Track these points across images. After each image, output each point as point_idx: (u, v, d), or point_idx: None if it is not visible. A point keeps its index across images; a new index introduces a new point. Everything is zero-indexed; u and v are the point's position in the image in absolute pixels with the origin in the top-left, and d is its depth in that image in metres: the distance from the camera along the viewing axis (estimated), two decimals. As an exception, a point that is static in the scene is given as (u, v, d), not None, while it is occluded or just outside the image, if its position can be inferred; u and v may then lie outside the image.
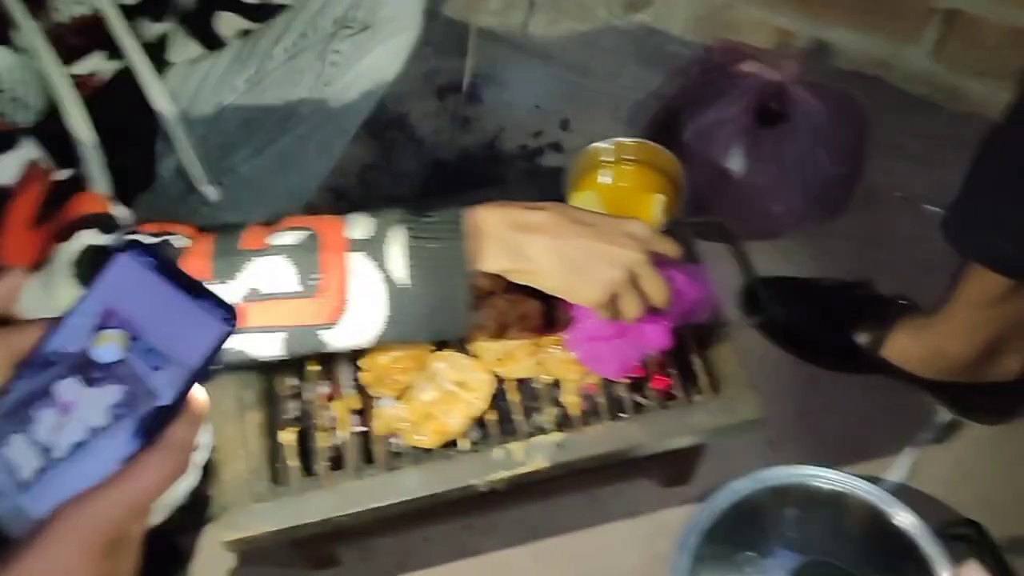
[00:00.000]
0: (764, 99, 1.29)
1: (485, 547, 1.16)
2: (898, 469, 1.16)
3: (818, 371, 1.25)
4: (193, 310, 0.44)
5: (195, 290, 0.44)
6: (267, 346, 0.73)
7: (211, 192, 1.13)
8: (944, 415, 1.19)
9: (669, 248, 0.80)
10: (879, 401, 1.22)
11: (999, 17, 1.19)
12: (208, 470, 0.92)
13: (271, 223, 0.74)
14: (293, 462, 0.93)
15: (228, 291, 0.69)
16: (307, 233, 0.71)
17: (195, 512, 1.06)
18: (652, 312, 0.81)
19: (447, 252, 0.71)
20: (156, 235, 0.72)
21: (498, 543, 1.16)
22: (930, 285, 1.30)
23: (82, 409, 0.43)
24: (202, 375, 0.44)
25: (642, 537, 1.16)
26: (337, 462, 0.95)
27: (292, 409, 0.97)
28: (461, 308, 0.72)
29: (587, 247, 0.74)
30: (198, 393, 0.44)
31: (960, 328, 1.10)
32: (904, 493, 1.14)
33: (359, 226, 0.72)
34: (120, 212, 0.77)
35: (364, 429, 0.96)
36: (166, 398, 0.43)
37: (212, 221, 1.14)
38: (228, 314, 0.44)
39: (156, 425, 0.42)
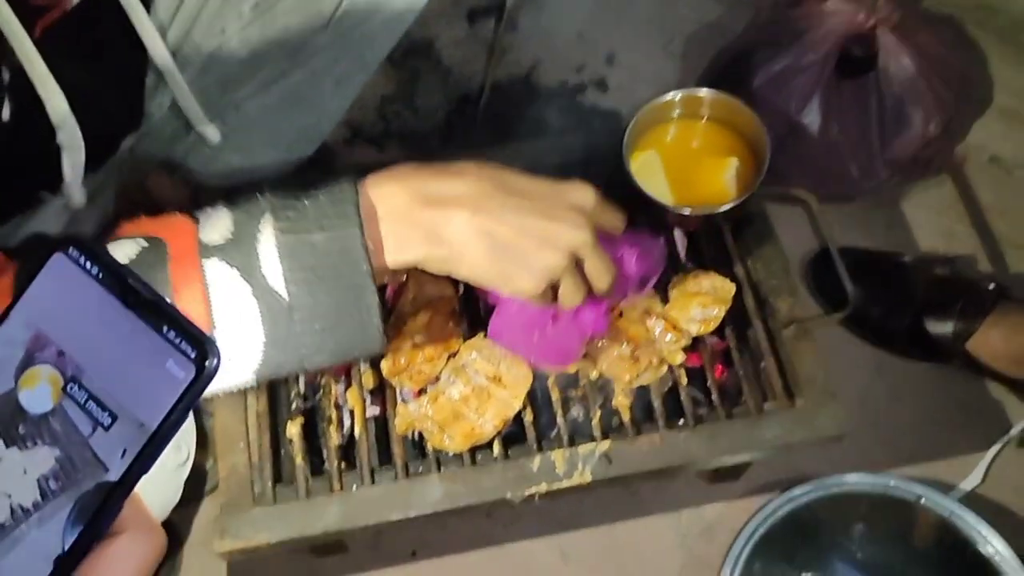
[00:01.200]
0: (848, 44, 1.12)
1: (506, 537, 1.06)
2: (975, 475, 1.04)
3: (886, 357, 1.11)
4: (155, 345, 0.31)
5: (159, 315, 0.31)
6: None
7: (212, 132, 0.98)
8: (1031, 417, 1.07)
9: (615, 220, 0.66)
10: (955, 395, 1.10)
11: None
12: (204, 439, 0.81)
13: (106, 231, 0.57)
14: (300, 460, 0.81)
15: None
16: (148, 243, 0.54)
17: (189, 486, 0.95)
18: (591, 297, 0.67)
19: (337, 245, 0.54)
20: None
21: (521, 533, 1.06)
22: (1018, 265, 1.16)
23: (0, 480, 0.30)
24: (164, 438, 0.31)
25: (681, 536, 1.05)
26: (349, 456, 0.83)
27: (300, 396, 0.85)
28: (368, 318, 0.56)
29: (521, 225, 0.58)
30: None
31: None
32: (981, 503, 1.02)
33: (215, 224, 0.55)
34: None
35: (379, 417, 0.84)
36: (115, 471, 0.30)
37: (214, 164, 1.01)
38: (206, 352, 0.31)
39: (103, 509, 0.30)
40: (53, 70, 0.76)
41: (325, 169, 0.99)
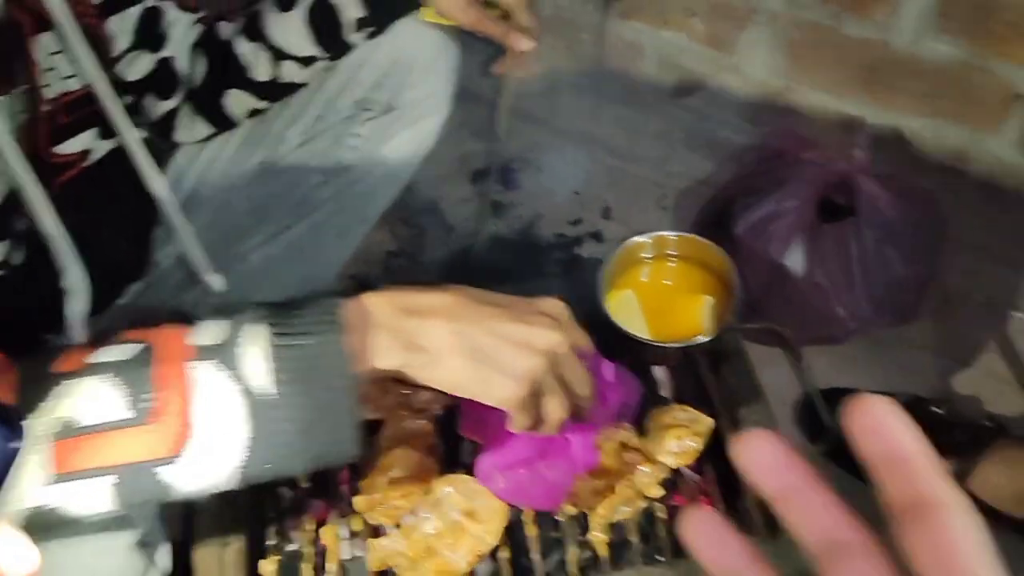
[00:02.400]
0: (827, 191, 1.17)
1: None
2: (988, 627, 0.98)
3: (888, 501, 1.08)
4: None
5: None
6: (92, 497, 0.55)
7: (217, 281, 1.03)
8: (1043, 562, 1.01)
9: (583, 339, 0.67)
10: (963, 541, 1.05)
11: (1095, 105, 1.06)
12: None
13: (101, 339, 0.59)
14: (273, 598, 0.80)
15: (35, 428, 0.53)
16: (140, 346, 0.56)
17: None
18: (574, 419, 0.67)
19: (322, 349, 0.56)
20: None
21: None
22: (1016, 404, 1.15)
23: None
24: None
25: None
26: (325, 597, 0.82)
27: (277, 534, 0.85)
28: (346, 420, 0.57)
29: (496, 330, 0.61)
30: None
31: (1062, 463, 0.94)
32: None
33: (208, 331, 0.57)
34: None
35: (358, 557, 0.83)
36: None
37: (219, 315, 1.06)
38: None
39: None
40: (66, 220, 0.83)
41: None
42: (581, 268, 1.31)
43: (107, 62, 0.88)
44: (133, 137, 0.90)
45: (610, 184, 1.44)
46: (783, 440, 0.30)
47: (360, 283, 1.35)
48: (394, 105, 1.04)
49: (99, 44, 0.86)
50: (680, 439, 0.85)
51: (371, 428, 0.86)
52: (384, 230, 1.38)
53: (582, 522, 0.84)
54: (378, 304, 0.60)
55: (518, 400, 0.62)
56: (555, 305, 0.65)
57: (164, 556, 0.72)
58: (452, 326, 0.60)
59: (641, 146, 1.45)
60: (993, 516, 1.02)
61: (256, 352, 0.56)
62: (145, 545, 0.69)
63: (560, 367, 0.63)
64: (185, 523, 0.85)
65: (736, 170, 1.29)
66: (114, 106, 0.85)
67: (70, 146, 0.86)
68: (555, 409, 0.64)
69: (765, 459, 0.29)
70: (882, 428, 0.26)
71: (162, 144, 1.03)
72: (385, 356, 0.59)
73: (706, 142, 1.40)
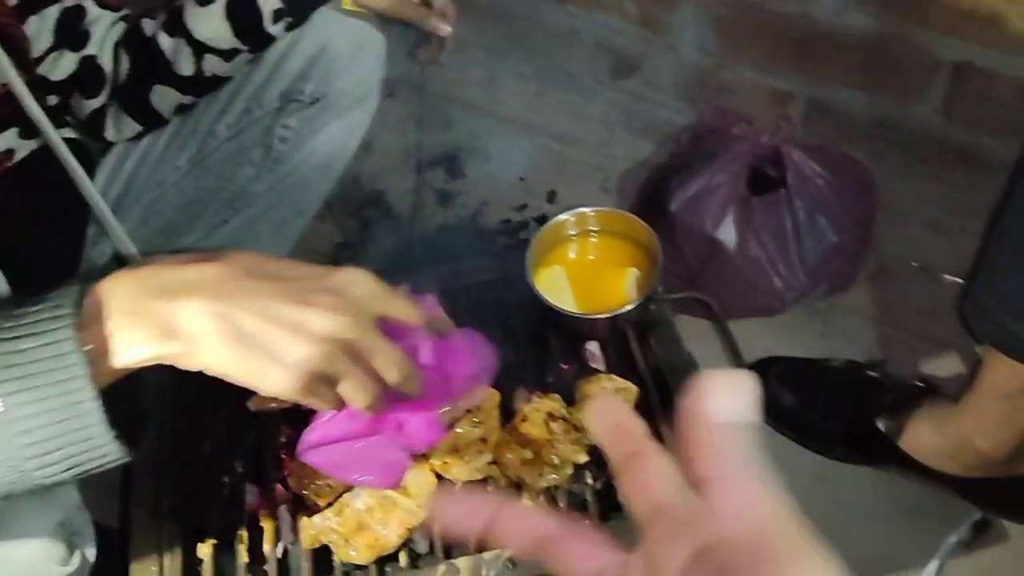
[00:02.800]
0: (758, 164, 1.19)
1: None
2: (925, 579, 1.01)
3: (826, 463, 1.11)
4: None
5: None
6: None
7: (152, 277, 1.04)
8: (975, 515, 1.04)
9: (404, 310, 0.58)
10: (898, 498, 1.08)
11: (1011, 68, 1.08)
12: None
13: None
14: (210, 581, 0.81)
15: None
16: None
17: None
18: (404, 399, 0.60)
19: (49, 351, 0.49)
20: None
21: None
22: (952, 366, 1.17)
23: None
24: None
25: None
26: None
27: (214, 516, 0.86)
28: (95, 424, 0.50)
29: (266, 310, 0.52)
30: None
31: (988, 421, 0.96)
32: (932, 608, 0.99)
33: None
34: None
35: (295, 540, 0.85)
36: None
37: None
38: None
39: None
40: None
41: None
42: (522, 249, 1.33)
43: (28, 62, 0.88)
44: (56, 135, 0.90)
45: (554, 169, 1.46)
46: (625, 407, 0.32)
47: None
48: (322, 95, 1.06)
49: (17, 44, 0.87)
50: (606, 407, 0.87)
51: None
52: (330, 222, 1.39)
53: (516, 492, 0.85)
54: (124, 286, 0.52)
55: (296, 391, 0.54)
56: (353, 278, 0.56)
57: (89, 542, 0.72)
58: (213, 306, 0.52)
59: (582, 130, 1.47)
60: (924, 472, 1.04)
61: None
62: (68, 530, 0.70)
63: (353, 350, 0.55)
64: (118, 507, 0.86)
65: (672, 149, 1.31)
66: (34, 105, 0.86)
67: (-7, 144, 0.87)
68: (354, 396, 0.56)
69: (609, 425, 0.31)
70: (609, 412, 0.32)
71: (93, 143, 1.04)
72: (134, 348, 0.52)
73: (645, 123, 1.42)
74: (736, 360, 0.89)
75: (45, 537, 0.67)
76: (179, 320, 0.52)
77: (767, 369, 1.15)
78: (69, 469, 0.52)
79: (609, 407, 0.32)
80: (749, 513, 0.28)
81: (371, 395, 0.57)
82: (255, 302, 0.52)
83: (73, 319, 0.50)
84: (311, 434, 0.67)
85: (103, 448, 0.52)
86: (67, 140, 0.94)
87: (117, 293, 0.52)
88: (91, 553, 0.73)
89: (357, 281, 0.56)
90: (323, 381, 0.55)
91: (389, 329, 0.58)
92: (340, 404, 0.57)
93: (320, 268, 0.57)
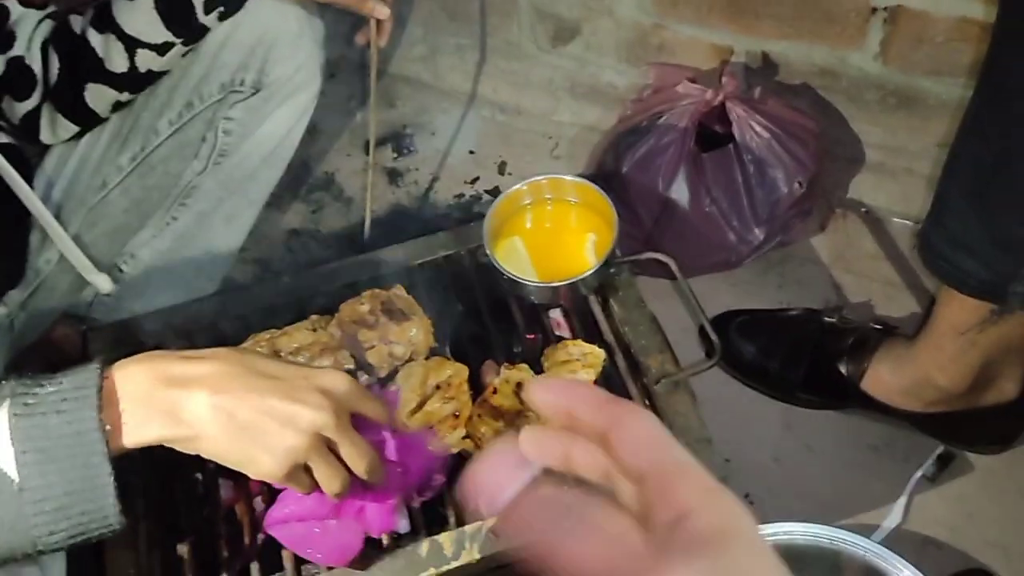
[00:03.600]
0: (705, 121, 1.20)
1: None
2: (894, 515, 1.04)
3: (793, 411, 1.13)
4: None
5: None
6: None
7: (103, 282, 1.03)
8: (939, 449, 1.07)
9: (377, 409, 0.66)
10: (864, 439, 1.11)
11: (943, 9, 1.10)
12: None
13: None
14: (191, 579, 0.81)
15: None
16: None
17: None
18: (368, 487, 0.67)
19: (72, 428, 0.54)
20: None
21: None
22: (907, 306, 1.20)
23: None
24: None
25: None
26: (245, 573, 0.83)
27: (191, 515, 0.85)
28: (103, 498, 0.55)
29: (260, 405, 0.59)
30: None
31: (945, 356, 0.98)
32: (903, 541, 1.02)
33: None
34: None
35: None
36: None
37: (116, 312, 1.05)
38: None
39: None
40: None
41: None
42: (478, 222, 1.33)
43: (-48, 67, 0.86)
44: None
45: (502, 140, 1.45)
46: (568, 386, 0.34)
47: (262, 265, 1.34)
48: (263, 84, 1.04)
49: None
50: (574, 372, 0.88)
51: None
52: (281, 209, 1.38)
53: (489, 465, 0.86)
54: (137, 374, 0.58)
55: (279, 476, 0.61)
56: (335, 379, 0.63)
57: (58, 555, 0.71)
58: (215, 399, 0.58)
59: (527, 99, 1.46)
60: (887, 411, 1.07)
61: (1, 431, 0.54)
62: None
63: (331, 442, 0.62)
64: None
65: (619, 112, 1.31)
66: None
67: (-76, 155, 0.84)
68: (327, 482, 0.63)
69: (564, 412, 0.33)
70: (561, 393, 0.33)
71: (29, 147, 1.01)
72: (142, 430, 0.57)
73: (589, 88, 1.42)
74: (699, 316, 0.90)
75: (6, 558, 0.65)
76: (185, 409, 0.58)
77: (727, 323, 1.16)
78: (72, 537, 0.56)
79: (559, 389, 0.33)
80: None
81: (342, 482, 0.63)
82: (252, 398, 0.59)
83: (96, 400, 0.55)
84: (277, 510, 0.73)
85: (109, 519, 0.57)
86: (1, 146, 0.91)
87: (130, 379, 0.58)
88: (60, 567, 0.72)
89: (337, 382, 0.63)
90: (302, 468, 0.62)
91: (359, 424, 0.65)
92: (314, 487, 0.64)
93: (306, 368, 0.64)
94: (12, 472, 0.54)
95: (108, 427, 0.56)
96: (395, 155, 1.45)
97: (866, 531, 1.01)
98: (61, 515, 0.55)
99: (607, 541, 0.29)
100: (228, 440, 0.59)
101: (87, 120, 0.99)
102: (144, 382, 0.58)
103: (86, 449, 0.55)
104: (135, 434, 0.57)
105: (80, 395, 0.55)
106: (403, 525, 0.84)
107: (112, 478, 0.55)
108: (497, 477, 0.31)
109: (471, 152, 1.45)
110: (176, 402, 0.58)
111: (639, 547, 0.28)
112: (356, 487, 0.66)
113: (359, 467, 0.63)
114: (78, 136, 1.02)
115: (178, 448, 0.60)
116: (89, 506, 0.55)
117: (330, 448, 0.62)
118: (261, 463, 0.60)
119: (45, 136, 0.99)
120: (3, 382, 0.56)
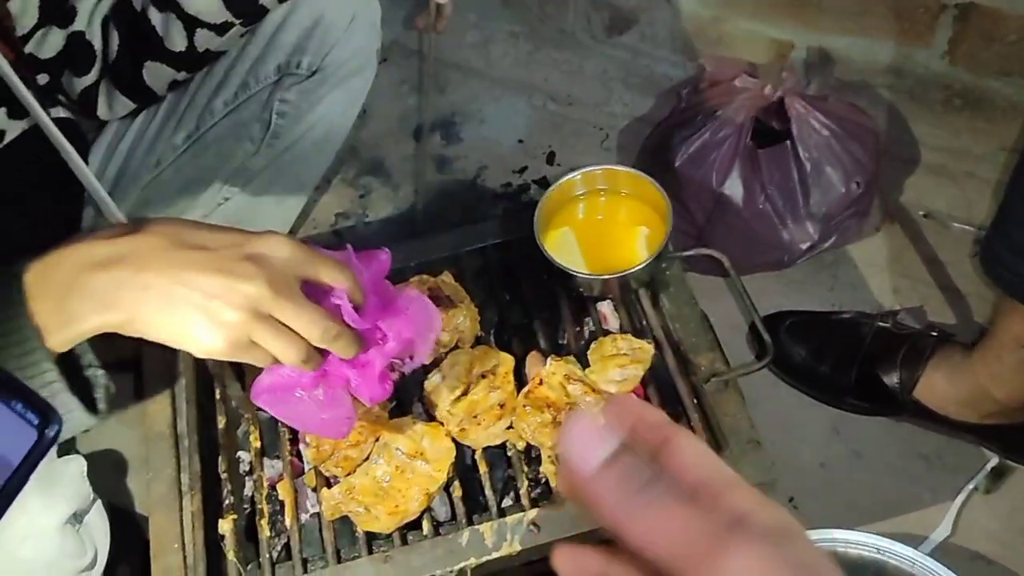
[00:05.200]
0: (763, 116, 1.17)
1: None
2: (942, 527, 1.01)
3: (841, 415, 1.11)
4: (3, 414, 0.36)
5: (7, 389, 0.36)
6: None
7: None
8: (992, 461, 1.04)
9: (328, 273, 0.60)
10: (914, 447, 1.08)
11: (1017, 7, 1.06)
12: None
13: None
14: (232, 556, 0.81)
15: None
16: None
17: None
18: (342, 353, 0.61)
19: (5, 329, 0.52)
20: None
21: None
22: (964, 314, 1.17)
23: None
24: (9, 496, 0.34)
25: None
26: (286, 553, 0.83)
27: (234, 493, 0.86)
28: (58, 392, 0.54)
29: (190, 281, 0.55)
30: None
31: (1004, 369, 0.95)
32: (951, 555, 0.99)
33: None
34: None
35: (317, 512, 0.85)
36: None
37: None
38: (48, 419, 0.35)
39: None
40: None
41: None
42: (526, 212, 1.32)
43: (13, 40, 0.86)
44: (45, 116, 0.88)
45: (553, 130, 1.44)
46: (638, 402, 0.34)
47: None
48: (319, 67, 1.04)
49: (0, 22, 0.84)
50: (623, 367, 0.87)
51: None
52: (329, 193, 1.38)
53: (533, 455, 0.85)
54: (59, 263, 0.55)
55: (223, 353, 0.57)
56: (274, 245, 0.58)
57: (104, 530, 0.72)
58: (138, 278, 0.55)
59: (579, 89, 1.45)
60: (938, 420, 1.04)
61: None
62: (80, 521, 0.69)
63: (271, 312, 0.57)
64: (135, 488, 0.86)
65: (672, 104, 1.29)
66: (20, 84, 0.84)
67: (-20, 126, 0.85)
68: (281, 354, 0.58)
69: (630, 421, 0.33)
70: (629, 409, 0.33)
71: (86, 123, 1.02)
72: (77, 321, 0.54)
73: (643, 79, 1.40)
74: (752, 315, 0.88)
75: (55, 532, 0.66)
76: (115, 291, 0.54)
77: (778, 324, 1.14)
78: None
79: (625, 405, 0.33)
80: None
81: (299, 353, 0.58)
82: (177, 273, 0.55)
83: (20, 295, 0.53)
84: (263, 378, 0.67)
85: (71, 414, 0.55)
86: (59, 120, 0.92)
87: (53, 270, 0.54)
88: (104, 541, 0.72)
89: (276, 246, 0.58)
90: (250, 344, 0.57)
91: (311, 290, 0.59)
92: (274, 360, 0.59)
93: (241, 235, 0.58)
94: None
95: (40, 324, 0.53)
96: (444, 142, 1.44)
97: (913, 542, 0.98)
98: None
99: (679, 518, 0.29)
100: (163, 318, 0.55)
101: (144, 97, 1.00)
102: (67, 270, 0.54)
103: (20, 351, 0.52)
104: (70, 326, 0.54)
105: (5, 297, 0.53)
106: (442, 511, 0.84)
107: (55, 374, 0.53)
108: (589, 440, 0.31)
109: (520, 141, 1.43)
110: (105, 284, 0.54)
111: (708, 529, 0.28)
112: (331, 355, 0.62)
113: (311, 336, 0.58)
114: (134, 113, 1.02)
115: (121, 332, 0.56)
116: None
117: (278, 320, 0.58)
118: (199, 341, 0.56)
119: (102, 112, 1.00)
120: None
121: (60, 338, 0.54)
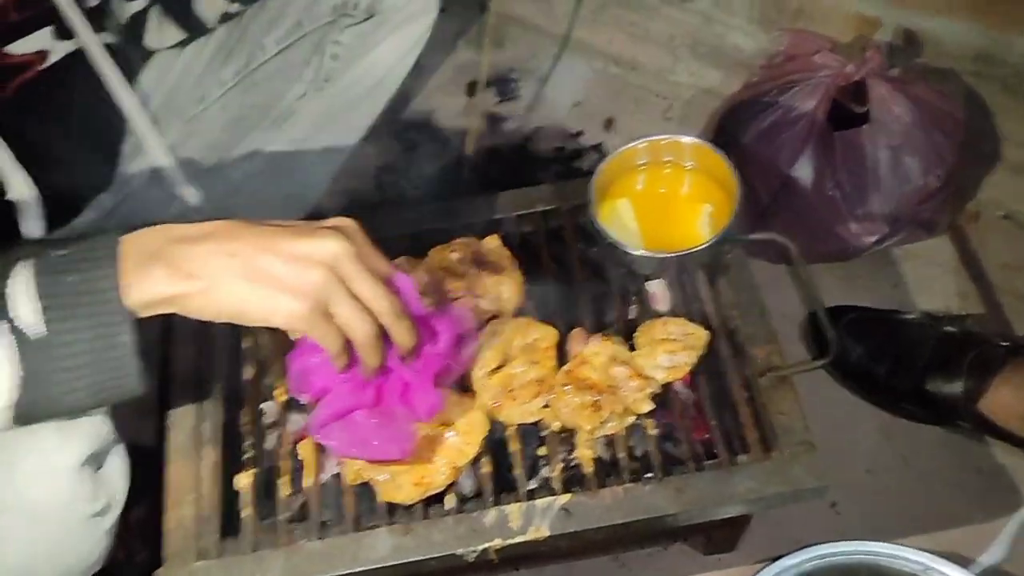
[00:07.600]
0: (840, 97, 1.10)
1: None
2: (994, 549, 0.95)
3: (894, 420, 1.05)
4: None
5: None
6: None
7: (191, 195, 0.99)
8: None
9: (380, 263, 0.62)
10: (970, 461, 1.02)
11: None
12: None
13: None
14: (247, 512, 0.78)
15: None
16: None
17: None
18: (404, 359, 0.65)
19: (90, 285, 0.55)
20: None
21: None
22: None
23: None
24: None
25: (675, 611, 0.98)
26: (303, 514, 0.80)
27: (255, 447, 0.83)
28: (126, 354, 0.56)
29: (273, 246, 0.57)
30: None
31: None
32: (1001, 578, 0.94)
33: None
34: None
35: (337, 474, 0.81)
36: None
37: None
38: None
39: None
40: (20, 126, 0.79)
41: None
42: (579, 177, 1.26)
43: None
44: (93, 38, 0.84)
45: (612, 95, 1.37)
46: None
47: (350, 197, 1.30)
48: (376, 10, 0.99)
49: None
50: (672, 353, 0.81)
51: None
52: (374, 144, 1.33)
53: (568, 438, 0.81)
54: (150, 235, 0.58)
55: (304, 317, 0.58)
56: (343, 220, 0.62)
57: (122, 471, 0.69)
58: (225, 247, 0.57)
59: (644, 53, 1.38)
60: (1001, 435, 0.98)
61: (22, 288, 0.55)
62: (98, 463, 0.66)
63: (348, 279, 0.59)
64: (155, 428, 0.83)
65: (744, 77, 1.22)
66: (68, 3, 0.80)
67: (23, 46, 0.81)
68: (353, 323, 0.60)
69: None
70: None
71: (132, 50, 0.98)
72: (151, 284, 0.56)
73: (713, 48, 1.33)
74: (817, 309, 0.82)
75: (69, 473, 0.63)
76: (197, 260, 0.57)
77: (835, 319, 1.08)
78: (93, 395, 0.57)
79: None
80: None
81: (370, 328, 0.60)
82: (261, 240, 0.58)
83: (111, 259, 0.56)
84: (319, 413, 0.69)
85: (131, 378, 0.57)
86: (106, 45, 0.88)
87: (142, 239, 0.57)
88: (122, 487, 0.69)
89: (347, 222, 0.62)
90: (326, 314, 0.59)
91: None
92: (342, 341, 0.61)
93: (313, 221, 0.62)
94: (40, 326, 0.54)
95: (121, 285, 0.55)
96: (498, 99, 1.39)
97: (961, 562, 0.93)
98: (81, 372, 0.55)
99: None
100: (242, 288, 0.57)
101: (195, 27, 0.95)
102: (156, 239, 0.57)
103: (104, 304, 0.55)
104: (144, 286, 0.56)
105: (95, 254, 0.56)
106: (468, 486, 0.80)
107: (132, 337, 0.56)
108: None
109: (577, 104, 1.37)
110: (186, 254, 0.57)
111: None
112: (391, 361, 0.65)
113: (381, 309, 0.60)
114: (183, 44, 0.98)
115: (189, 305, 0.57)
116: (108, 364, 0.56)
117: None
118: (282, 305, 0.57)
119: (150, 40, 0.96)
120: (20, 243, 0.58)
121: (132, 300, 0.56)
